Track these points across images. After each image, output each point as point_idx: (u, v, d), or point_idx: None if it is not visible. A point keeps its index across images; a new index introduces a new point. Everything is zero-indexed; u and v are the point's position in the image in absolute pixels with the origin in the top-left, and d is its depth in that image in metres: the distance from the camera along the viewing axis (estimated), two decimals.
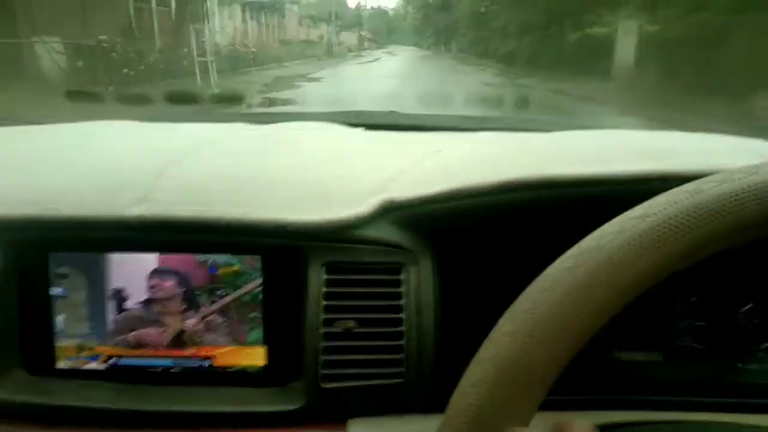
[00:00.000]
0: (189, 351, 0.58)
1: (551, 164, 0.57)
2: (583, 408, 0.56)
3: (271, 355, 0.58)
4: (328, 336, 0.54)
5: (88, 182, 0.59)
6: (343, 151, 0.74)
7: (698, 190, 0.29)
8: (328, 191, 0.59)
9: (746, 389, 0.60)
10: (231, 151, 0.71)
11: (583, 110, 8.05)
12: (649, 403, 0.57)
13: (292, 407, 0.54)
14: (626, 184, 0.53)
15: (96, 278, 0.57)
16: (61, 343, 0.58)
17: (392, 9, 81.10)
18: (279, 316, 0.58)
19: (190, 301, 0.57)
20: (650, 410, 0.56)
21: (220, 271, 0.57)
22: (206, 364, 0.58)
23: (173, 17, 12.85)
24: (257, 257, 0.57)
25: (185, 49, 10.90)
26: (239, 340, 0.58)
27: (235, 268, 0.57)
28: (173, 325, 0.58)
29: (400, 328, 0.55)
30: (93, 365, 0.58)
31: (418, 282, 0.56)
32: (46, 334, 0.58)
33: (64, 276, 0.57)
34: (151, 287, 0.57)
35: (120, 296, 0.57)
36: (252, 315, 0.58)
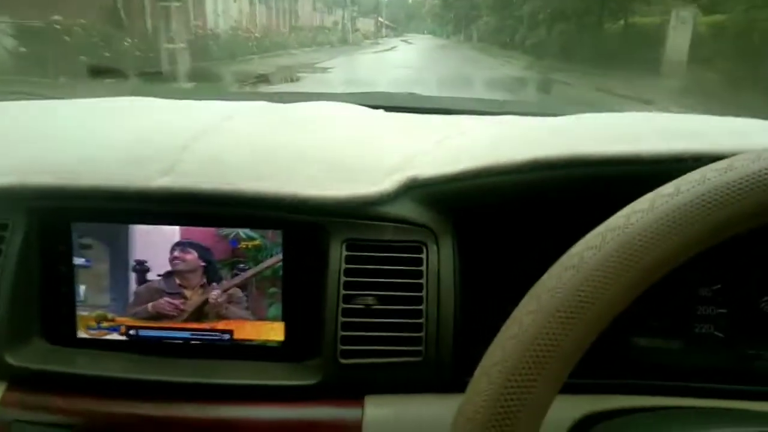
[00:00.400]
0: (208, 324, 0.58)
1: (580, 143, 0.56)
2: (601, 392, 0.55)
3: (289, 330, 0.58)
4: (347, 312, 0.54)
5: (113, 154, 0.59)
6: (364, 130, 0.74)
7: (730, 167, 0.28)
8: (351, 168, 0.59)
9: (765, 377, 0.59)
10: (254, 127, 0.71)
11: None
12: (668, 389, 0.56)
13: (309, 382, 0.54)
14: (659, 163, 0.52)
15: (119, 249, 0.57)
16: (82, 313, 0.59)
17: None
18: (298, 292, 0.58)
19: (211, 275, 0.57)
20: (668, 396, 0.55)
21: (242, 245, 0.57)
22: (225, 337, 0.58)
23: None
24: (278, 232, 0.57)
25: (170, 35, 9.54)
26: (259, 315, 0.58)
27: (257, 242, 0.57)
28: (194, 297, 0.58)
29: (420, 307, 0.54)
30: (113, 336, 0.59)
31: (440, 261, 0.56)
32: (68, 303, 0.58)
33: (87, 246, 0.58)
34: (173, 259, 0.57)
35: (142, 268, 0.58)
36: (272, 290, 0.58)
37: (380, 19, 51.00)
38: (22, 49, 7.16)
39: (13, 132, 0.69)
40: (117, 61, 7.21)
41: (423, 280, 0.55)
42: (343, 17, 32.23)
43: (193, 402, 0.54)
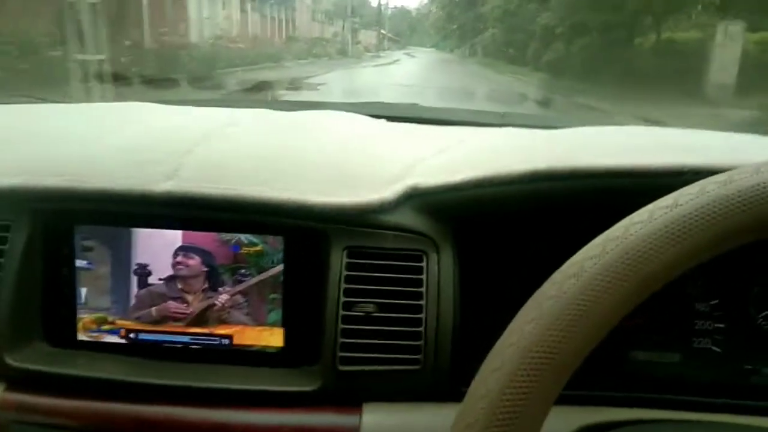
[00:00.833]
0: (208, 329, 0.59)
1: (579, 156, 0.56)
2: (597, 404, 0.55)
3: (289, 336, 0.58)
4: (347, 319, 0.54)
5: (117, 157, 0.59)
6: (366, 138, 0.74)
7: (729, 180, 0.29)
8: (352, 176, 0.59)
9: (764, 392, 0.59)
10: (257, 133, 0.72)
11: None
12: (664, 402, 0.56)
13: (308, 388, 0.55)
14: (658, 176, 0.52)
15: (121, 253, 0.58)
16: (83, 315, 0.59)
17: (415, 9, 78.23)
18: (299, 298, 0.58)
19: (213, 280, 0.58)
20: (664, 409, 0.55)
21: (243, 251, 0.57)
22: (225, 342, 0.59)
23: None
24: (280, 238, 0.57)
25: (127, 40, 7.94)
26: (259, 320, 0.58)
27: (258, 248, 0.57)
28: (195, 303, 0.58)
29: (419, 315, 0.55)
30: (113, 339, 0.59)
31: (439, 270, 0.56)
32: (69, 306, 0.59)
33: (89, 249, 0.58)
34: (176, 264, 0.58)
35: (144, 271, 0.58)
36: (272, 296, 0.58)
37: (383, 31, 49.89)
38: None
39: (17, 134, 0.69)
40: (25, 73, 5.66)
41: (423, 289, 0.55)
42: (342, 28, 30.92)
43: (192, 406, 0.55)
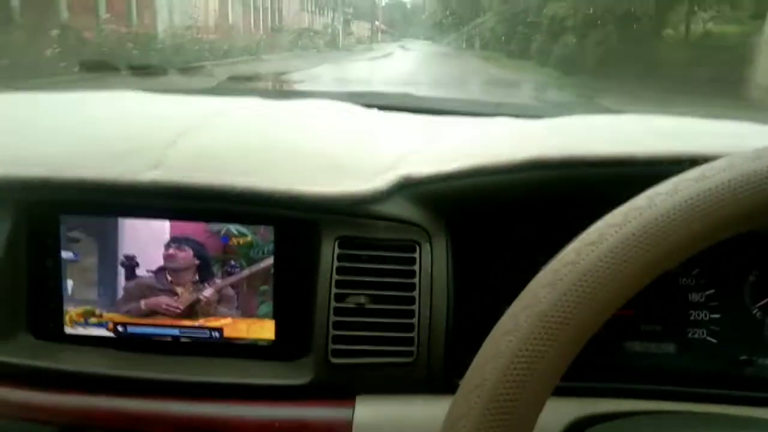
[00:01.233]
0: (198, 322, 0.58)
1: (575, 144, 0.56)
2: (593, 396, 0.55)
3: (280, 328, 0.58)
4: (339, 311, 0.54)
5: (103, 146, 0.59)
6: (358, 128, 0.73)
7: (757, 156, 0.28)
8: (344, 165, 0.58)
9: (760, 383, 0.59)
10: (246, 122, 0.71)
11: None
12: (659, 393, 0.56)
13: (300, 381, 0.54)
14: (656, 164, 0.52)
15: (108, 244, 0.57)
16: (70, 308, 0.58)
17: (410, 0, 76.62)
18: (290, 290, 0.57)
19: (203, 272, 0.57)
20: (660, 400, 0.55)
21: (233, 242, 0.57)
22: (215, 335, 0.58)
23: None
24: (270, 228, 0.57)
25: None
26: (249, 313, 0.58)
27: (248, 239, 0.57)
28: (185, 295, 0.57)
29: (412, 307, 0.54)
30: (101, 332, 0.58)
31: (432, 261, 0.56)
32: (55, 298, 0.58)
33: (75, 240, 0.57)
34: (168, 256, 0.57)
35: (131, 263, 0.57)
36: (263, 288, 0.57)
37: (377, 23, 48.29)
38: None
39: (0, 123, 0.68)
40: None
41: (415, 280, 0.55)
42: (332, 19, 29.28)
43: (182, 400, 0.54)
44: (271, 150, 0.60)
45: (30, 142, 0.60)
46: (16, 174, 0.55)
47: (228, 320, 0.58)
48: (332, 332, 0.53)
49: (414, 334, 0.53)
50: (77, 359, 0.56)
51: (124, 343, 0.58)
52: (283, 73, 10.24)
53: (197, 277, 0.57)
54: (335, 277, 0.54)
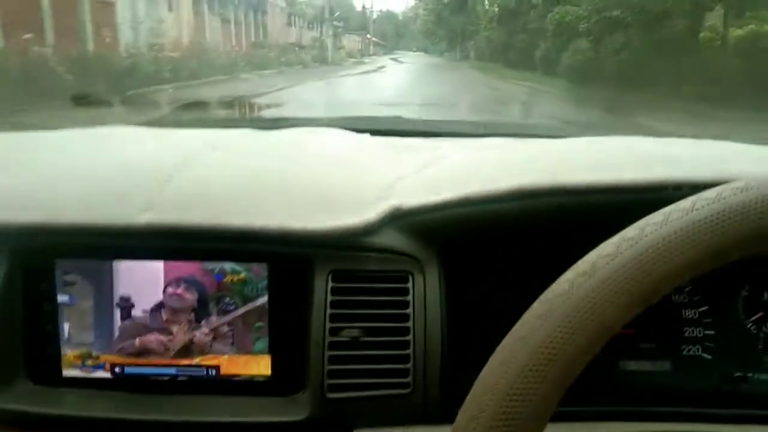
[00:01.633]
0: (195, 360, 0.58)
1: (562, 171, 0.56)
2: (591, 419, 0.55)
3: (276, 364, 0.58)
4: (333, 345, 0.54)
5: (95, 189, 0.59)
6: (349, 157, 0.73)
7: (746, 188, 0.29)
8: (335, 198, 0.59)
9: (755, 400, 0.59)
10: (237, 157, 0.70)
11: None
12: (657, 415, 0.56)
13: (297, 418, 0.54)
14: (640, 191, 0.53)
15: (103, 286, 0.57)
16: (67, 351, 0.58)
17: (401, 12, 75.85)
18: (285, 325, 0.57)
19: (199, 311, 0.57)
20: (657, 422, 0.55)
21: (227, 279, 0.57)
22: (212, 372, 0.58)
23: None
24: (264, 265, 0.57)
25: None
26: (245, 349, 0.58)
27: (242, 276, 0.57)
28: (180, 334, 0.57)
29: (407, 338, 0.54)
30: (98, 374, 0.58)
31: (425, 290, 0.56)
32: (52, 342, 0.57)
33: (71, 283, 0.57)
34: (169, 296, 0.57)
35: (127, 304, 0.57)
36: (258, 324, 0.57)
37: (368, 36, 47.30)
38: None
39: None
40: None
41: (409, 310, 0.55)
42: (321, 33, 27.96)
43: None
44: (263, 186, 0.60)
45: (24, 185, 0.60)
46: (10, 220, 0.55)
47: (224, 357, 0.58)
48: (327, 367, 0.53)
49: (409, 365, 0.53)
50: (76, 403, 0.56)
51: (121, 383, 0.58)
52: (259, 95, 8.81)
53: (193, 316, 0.57)
54: (329, 310, 0.54)
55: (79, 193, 0.58)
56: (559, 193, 0.54)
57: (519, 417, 0.26)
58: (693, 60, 8.58)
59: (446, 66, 27.46)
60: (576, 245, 0.34)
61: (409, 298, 0.55)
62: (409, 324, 0.54)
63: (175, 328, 0.57)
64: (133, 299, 0.57)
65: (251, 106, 7.18)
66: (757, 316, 0.60)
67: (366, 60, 31.46)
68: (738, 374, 0.59)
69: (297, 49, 21.13)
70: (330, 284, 0.54)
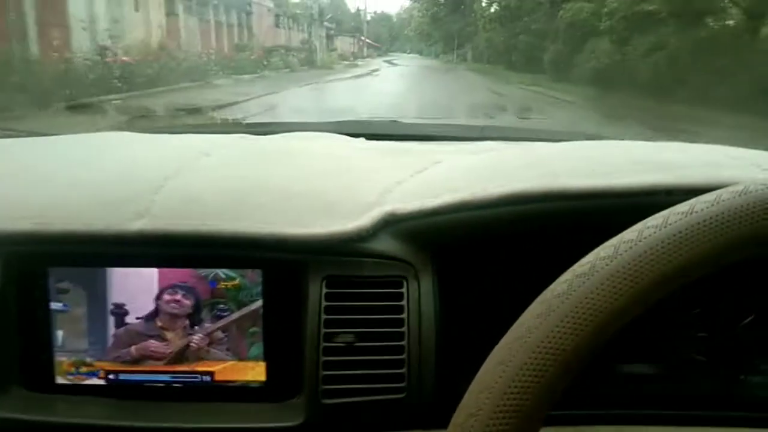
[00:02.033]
0: (189, 366, 0.57)
1: (554, 175, 0.56)
2: (586, 423, 0.55)
3: (271, 370, 0.57)
4: (328, 351, 0.53)
5: (88, 196, 0.58)
6: (343, 162, 0.73)
7: (745, 191, 0.29)
8: (329, 203, 0.58)
9: (748, 402, 0.58)
10: (231, 163, 0.70)
11: None
12: (650, 418, 0.56)
13: (292, 423, 0.54)
14: (632, 196, 0.53)
15: (97, 293, 0.57)
16: (61, 358, 0.57)
17: (396, 14, 74.72)
18: (280, 331, 0.57)
19: (193, 317, 0.57)
20: (653, 425, 0.55)
21: (221, 285, 0.56)
22: (207, 379, 0.57)
23: None
24: (258, 271, 0.56)
25: None
26: (240, 355, 0.57)
27: (236, 282, 0.56)
28: (175, 340, 0.57)
29: (401, 343, 0.54)
30: (92, 381, 0.58)
31: (420, 296, 0.56)
32: (46, 349, 0.57)
33: (64, 291, 0.57)
34: (165, 302, 0.56)
35: (121, 311, 0.57)
36: (252, 330, 0.57)
37: (362, 38, 46.09)
38: None
39: None
40: None
41: (404, 315, 0.54)
42: (310, 35, 26.44)
43: None
44: (256, 193, 0.59)
45: (17, 193, 0.59)
46: (3, 228, 0.55)
47: (219, 364, 0.57)
48: (322, 372, 0.53)
49: (404, 370, 0.53)
50: (70, 410, 0.55)
51: (116, 390, 0.57)
52: (226, 106, 7.38)
53: (187, 322, 0.57)
54: (323, 316, 0.54)
55: (72, 200, 0.57)
56: (552, 199, 0.54)
57: (516, 415, 0.27)
58: (746, 61, 7.02)
59: (443, 68, 26.07)
60: (570, 250, 0.34)
61: (404, 303, 0.55)
62: (404, 329, 0.54)
63: (169, 335, 0.57)
64: (127, 306, 0.57)
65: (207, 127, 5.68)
66: (751, 318, 0.60)
67: (359, 62, 30.07)
68: (732, 376, 0.59)
69: (283, 51, 19.59)
70: (324, 290, 0.54)
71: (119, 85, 7.95)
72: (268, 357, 0.56)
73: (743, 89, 6.57)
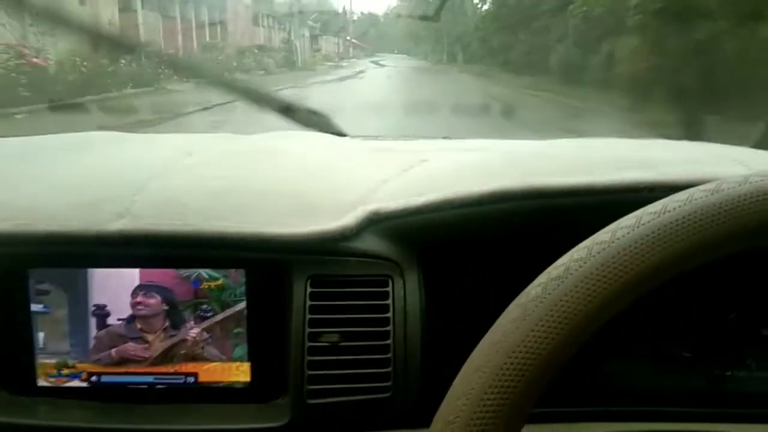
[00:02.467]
0: (173, 367, 0.57)
1: (538, 174, 0.57)
2: (572, 420, 0.55)
3: (256, 371, 0.58)
4: (313, 350, 0.54)
5: (68, 196, 0.58)
6: (327, 160, 0.73)
7: (717, 190, 0.29)
8: (313, 203, 0.59)
9: (735, 398, 0.59)
10: (213, 163, 0.70)
11: None
12: (639, 414, 0.56)
13: (277, 424, 0.54)
14: (614, 193, 0.53)
15: (78, 294, 0.57)
16: (42, 360, 0.57)
17: (383, 13, 73.49)
18: (264, 331, 0.57)
19: (174, 318, 0.57)
20: (639, 421, 0.55)
21: (204, 286, 0.57)
22: (190, 380, 0.57)
23: None
24: (241, 271, 0.56)
25: None
26: (224, 356, 0.57)
27: (219, 282, 0.57)
28: (156, 342, 0.57)
29: (387, 342, 0.54)
30: (74, 383, 0.58)
31: (405, 294, 0.56)
32: (27, 352, 0.57)
33: (45, 292, 0.57)
34: (135, 304, 0.56)
35: (102, 312, 0.57)
36: (236, 330, 0.57)
37: (348, 37, 44.59)
38: None
39: None
40: None
41: (389, 314, 0.55)
42: (290, 34, 24.75)
43: None
44: (239, 192, 0.60)
45: None
46: None
47: (203, 365, 0.57)
48: (307, 372, 0.53)
49: (390, 369, 0.53)
50: (52, 413, 0.55)
51: (98, 392, 0.57)
52: (153, 123, 5.68)
53: (168, 323, 0.57)
54: (308, 316, 0.54)
55: (53, 201, 0.57)
56: (534, 196, 0.55)
57: (493, 421, 0.27)
58: None
59: (432, 69, 24.44)
60: (554, 248, 0.34)
61: (389, 302, 0.55)
62: (389, 328, 0.54)
63: (151, 336, 0.57)
64: (109, 307, 0.57)
65: None
66: (736, 313, 0.60)
67: (344, 63, 28.34)
68: (719, 372, 0.59)
69: (257, 51, 17.81)
70: (309, 289, 0.55)
71: (26, 94, 6.21)
72: (253, 357, 0.57)
73: None
